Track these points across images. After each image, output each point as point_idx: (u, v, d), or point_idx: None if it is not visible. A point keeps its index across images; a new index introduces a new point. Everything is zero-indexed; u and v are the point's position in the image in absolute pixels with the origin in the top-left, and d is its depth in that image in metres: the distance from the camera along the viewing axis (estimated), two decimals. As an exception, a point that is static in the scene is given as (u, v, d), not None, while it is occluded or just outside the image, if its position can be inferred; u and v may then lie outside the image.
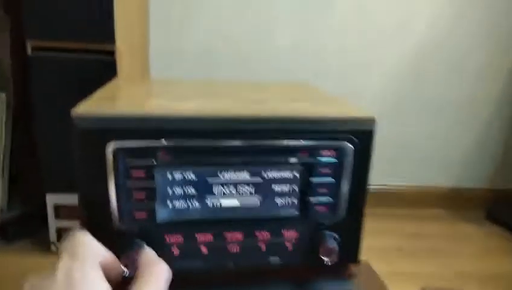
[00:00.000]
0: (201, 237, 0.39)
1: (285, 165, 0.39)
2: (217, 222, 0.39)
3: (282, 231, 0.41)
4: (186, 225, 0.39)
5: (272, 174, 0.39)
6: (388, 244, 1.22)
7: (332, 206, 0.40)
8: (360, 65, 1.42)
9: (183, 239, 0.39)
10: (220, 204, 0.39)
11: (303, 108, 0.45)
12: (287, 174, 0.39)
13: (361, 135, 0.39)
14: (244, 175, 0.39)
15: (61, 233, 1.13)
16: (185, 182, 0.38)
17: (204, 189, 0.38)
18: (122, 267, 0.37)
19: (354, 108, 0.43)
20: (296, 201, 0.40)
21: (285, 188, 0.40)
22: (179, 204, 0.38)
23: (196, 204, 0.39)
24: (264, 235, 0.40)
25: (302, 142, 0.38)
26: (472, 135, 1.52)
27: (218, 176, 0.38)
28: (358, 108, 0.42)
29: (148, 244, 0.38)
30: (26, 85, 1.23)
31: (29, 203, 1.27)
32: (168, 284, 0.31)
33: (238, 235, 0.40)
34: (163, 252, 0.39)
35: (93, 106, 0.41)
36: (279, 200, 0.40)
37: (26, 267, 1.10)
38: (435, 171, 1.53)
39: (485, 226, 1.45)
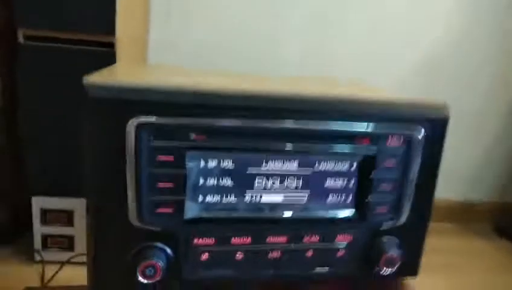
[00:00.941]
0: (236, 240, 0.32)
1: (342, 156, 0.32)
2: (257, 222, 0.32)
3: (333, 235, 0.33)
4: (219, 224, 0.32)
5: (326, 165, 0.32)
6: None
7: (395, 207, 0.33)
8: (370, 76, 1.38)
9: (214, 241, 0.32)
10: (261, 199, 0.32)
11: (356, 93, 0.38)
12: (343, 166, 0.32)
13: (435, 122, 0.32)
14: (293, 165, 0.32)
15: (47, 240, 1.04)
16: (220, 172, 0.31)
17: (243, 181, 0.31)
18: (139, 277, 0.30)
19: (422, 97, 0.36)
20: (351, 199, 0.33)
21: (340, 183, 0.33)
22: (212, 198, 0.31)
23: (232, 199, 0.32)
24: (311, 239, 0.33)
25: (367, 128, 0.31)
26: (481, 149, 1.49)
27: (260, 165, 0.31)
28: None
29: (172, 247, 0.31)
30: (14, 81, 1.15)
31: (9, 209, 1.17)
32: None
33: (281, 239, 0.33)
34: (189, 256, 0.31)
35: (107, 78, 0.33)
36: (332, 198, 0.33)
37: (6, 278, 1.01)
38: (444, 184, 1.49)
39: (495, 241, 1.42)
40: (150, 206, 0.30)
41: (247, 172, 0.31)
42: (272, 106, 0.30)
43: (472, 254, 1.33)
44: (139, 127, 0.28)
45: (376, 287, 0.38)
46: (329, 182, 0.33)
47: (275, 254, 0.33)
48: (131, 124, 0.28)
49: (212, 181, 0.31)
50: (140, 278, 0.30)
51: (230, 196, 0.31)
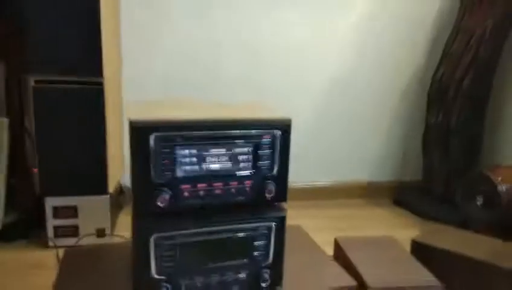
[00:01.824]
0: (200, 186, 0.72)
1: (244, 145, 0.73)
2: (208, 178, 0.72)
3: (243, 181, 0.74)
4: (192, 179, 0.71)
5: (237, 150, 0.73)
6: (319, 224, 1.59)
7: (271, 166, 0.74)
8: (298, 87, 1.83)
9: (190, 187, 0.71)
10: (210, 167, 0.72)
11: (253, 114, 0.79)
12: (246, 149, 0.73)
13: (285, 126, 0.74)
14: (223, 150, 0.72)
15: (58, 230, 1.37)
16: (190, 155, 0.70)
17: (201, 159, 0.71)
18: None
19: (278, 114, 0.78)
20: (251, 165, 0.74)
21: (245, 157, 0.73)
22: (188, 168, 0.71)
23: (196, 168, 0.71)
24: (234, 184, 0.73)
25: (253, 132, 0.72)
26: (379, 140, 1.97)
27: (208, 151, 0.71)
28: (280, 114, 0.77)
29: (170, 189, 0.70)
30: (20, 110, 1.49)
31: (23, 210, 1.48)
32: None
33: (220, 184, 0.73)
34: (178, 195, 0.70)
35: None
36: (241, 165, 0.74)
37: (27, 262, 1.32)
38: (355, 168, 1.97)
39: (393, 209, 1.88)
40: (160, 171, 0.69)
41: (202, 155, 0.71)
42: (212, 125, 0.70)
43: (374, 219, 1.78)
44: (154, 138, 0.67)
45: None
46: (240, 157, 0.73)
47: (218, 192, 0.72)
48: (152, 137, 0.67)
49: (187, 159, 0.70)
50: (159, 203, 0.68)
51: (195, 166, 0.71)
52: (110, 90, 1.36)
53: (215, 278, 0.76)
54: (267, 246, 0.78)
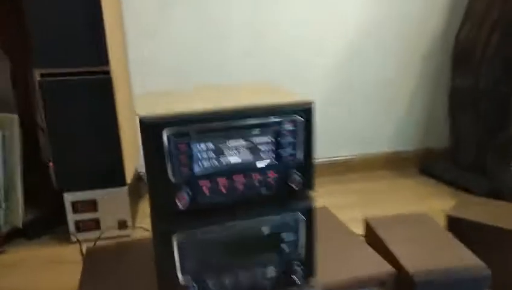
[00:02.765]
0: (220, 181, 0.66)
1: (263, 134, 0.67)
2: (228, 172, 0.67)
3: (266, 172, 0.68)
4: (211, 175, 0.66)
5: (257, 139, 0.67)
6: (344, 201, 1.54)
7: (294, 153, 0.68)
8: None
9: (209, 183, 0.66)
10: (229, 160, 0.66)
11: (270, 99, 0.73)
12: (266, 138, 0.67)
13: (308, 110, 0.67)
14: (241, 141, 0.66)
15: (78, 224, 1.35)
16: (207, 149, 0.65)
17: (219, 152, 0.65)
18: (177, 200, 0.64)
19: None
20: (273, 153, 0.68)
21: (266, 146, 0.68)
22: (206, 163, 0.65)
23: (215, 162, 0.66)
24: (256, 176, 0.68)
25: (273, 119, 0.66)
26: (402, 108, 1.88)
27: (226, 143, 0.66)
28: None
29: (190, 188, 0.65)
30: (30, 105, 1.45)
31: (43, 207, 1.47)
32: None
33: (241, 177, 0.67)
34: (198, 192, 0.65)
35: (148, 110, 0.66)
36: (262, 155, 0.68)
37: (51, 258, 1.32)
38: (379, 141, 1.89)
39: (420, 179, 1.82)
40: (177, 169, 0.64)
41: (220, 148, 0.65)
42: (228, 115, 0.64)
43: (401, 190, 1.72)
44: (168, 134, 0.62)
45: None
46: (261, 147, 0.67)
47: (240, 186, 0.67)
48: (164, 133, 0.62)
49: (204, 154, 0.65)
50: (178, 203, 0.64)
51: (213, 161, 0.65)
52: (117, 76, 1.30)
53: (243, 275, 0.72)
54: (296, 238, 0.73)
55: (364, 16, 1.74)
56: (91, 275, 0.85)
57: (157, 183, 0.64)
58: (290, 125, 0.67)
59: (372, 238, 0.98)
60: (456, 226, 1.03)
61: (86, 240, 1.27)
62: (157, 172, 0.64)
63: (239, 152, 0.67)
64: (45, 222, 1.43)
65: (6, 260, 1.31)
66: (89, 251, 0.96)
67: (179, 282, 0.68)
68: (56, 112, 1.26)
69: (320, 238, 0.75)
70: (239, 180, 0.67)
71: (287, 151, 0.68)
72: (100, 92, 1.24)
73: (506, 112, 1.68)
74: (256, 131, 0.66)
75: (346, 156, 1.87)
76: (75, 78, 1.23)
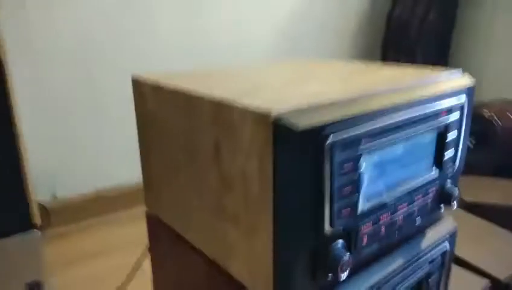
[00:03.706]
0: (383, 218, 0.39)
1: (427, 132, 0.41)
2: (395, 200, 0.39)
3: (427, 190, 0.43)
4: (374, 210, 0.37)
5: (420, 141, 0.41)
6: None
7: (454, 157, 0.45)
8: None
9: (371, 225, 0.38)
10: (394, 181, 0.39)
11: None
12: (428, 139, 0.42)
13: (470, 89, 0.44)
14: (408, 147, 0.40)
15: None
16: (375, 166, 0.36)
17: (382, 169, 0.38)
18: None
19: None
20: (433, 161, 0.43)
21: (427, 151, 0.42)
22: (371, 188, 0.36)
23: (381, 186, 0.38)
24: (418, 199, 0.42)
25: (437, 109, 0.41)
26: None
27: (392, 153, 0.38)
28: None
29: (347, 241, 0.36)
30: None
31: None
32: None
33: (404, 206, 0.41)
34: (355, 245, 0.37)
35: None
36: (423, 164, 0.42)
37: None
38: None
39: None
40: (338, 211, 0.34)
41: (389, 159, 0.37)
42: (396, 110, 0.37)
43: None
44: (332, 146, 0.31)
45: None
46: (422, 154, 0.42)
47: (400, 220, 0.41)
48: (327, 145, 0.31)
49: (374, 172, 0.36)
50: (341, 275, 0.34)
51: (379, 183, 0.37)
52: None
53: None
54: (438, 281, 0.50)
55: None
56: None
57: (300, 241, 0.33)
58: (456, 116, 0.43)
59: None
60: (474, 211, 0.94)
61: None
62: (301, 218, 0.33)
63: (403, 165, 0.40)
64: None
65: None
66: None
67: None
68: None
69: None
70: (401, 210, 0.41)
71: (449, 156, 0.44)
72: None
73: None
74: (422, 128, 0.40)
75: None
76: None
